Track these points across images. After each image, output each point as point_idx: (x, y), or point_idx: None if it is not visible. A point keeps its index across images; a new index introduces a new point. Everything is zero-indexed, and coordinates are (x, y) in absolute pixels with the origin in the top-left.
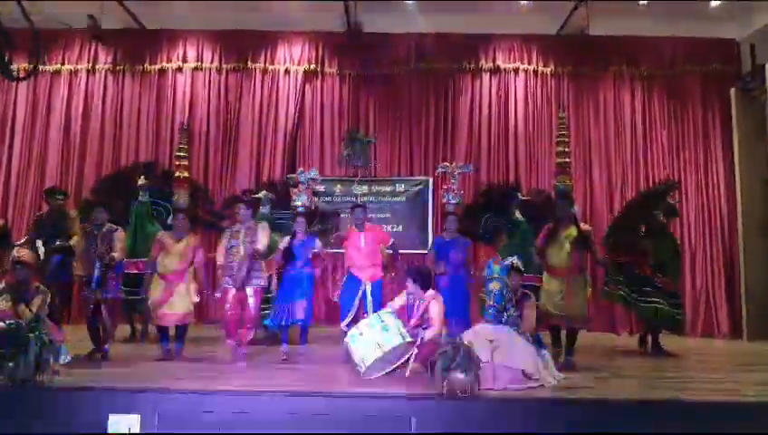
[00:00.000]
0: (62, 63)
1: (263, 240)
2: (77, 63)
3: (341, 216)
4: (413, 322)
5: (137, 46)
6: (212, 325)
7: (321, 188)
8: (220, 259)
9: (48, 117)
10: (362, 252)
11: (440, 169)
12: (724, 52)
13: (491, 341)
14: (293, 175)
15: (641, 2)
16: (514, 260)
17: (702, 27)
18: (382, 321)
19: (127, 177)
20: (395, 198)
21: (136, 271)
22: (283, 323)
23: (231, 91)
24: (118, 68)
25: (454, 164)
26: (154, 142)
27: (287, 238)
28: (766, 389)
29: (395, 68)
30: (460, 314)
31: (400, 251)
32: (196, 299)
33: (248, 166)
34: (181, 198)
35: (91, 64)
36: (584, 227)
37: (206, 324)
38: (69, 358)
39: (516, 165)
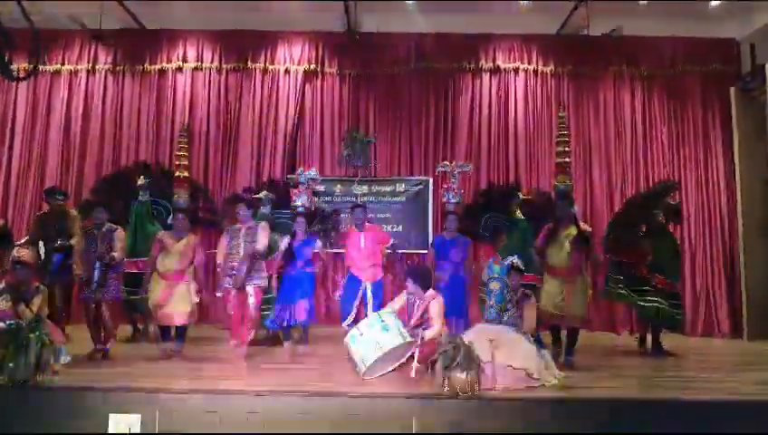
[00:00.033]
0: (62, 64)
1: (263, 240)
2: (77, 64)
3: (342, 215)
4: (413, 322)
5: (137, 46)
6: (212, 325)
7: (320, 188)
8: (220, 259)
9: (48, 117)
10: (362, 252)
11: (440, 169)
12: (723, 51)
13: (491, 340)
14: (293, 175)
15: (641, 2)
16: (515, 260)
17: (702, 27)
18: (382, 321)
19: (126, 177)
20: (395, 198)
21: (136, 270)
22: (285, 324)
23: (231, 91)
24: (118, 68)
25: (453, 163)
26: (154, 142)
27: (287, 239)
28: (766, 388)
29: (395, 68)
30: (460, 313)
31: (401, 251)
32: (196, 300)
33: (248, 166)
34: (181, 197)
35: (90, 64)
36: (584, 227)
37: (205, 324)
38: (69, 358)
39: (516, 164)
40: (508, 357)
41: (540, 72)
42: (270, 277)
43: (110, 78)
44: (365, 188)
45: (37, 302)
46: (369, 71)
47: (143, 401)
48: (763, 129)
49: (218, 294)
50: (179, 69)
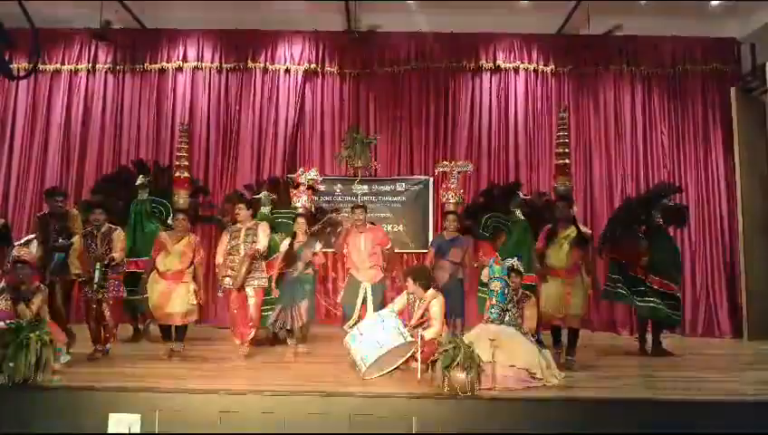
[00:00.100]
0: (62, 63)
1: (263, 240)
2: (77, 63)
3: (342, 215)
4: (414, 321)
5: (137, 46)
6: (212, 325)
7: (321, 187)
8: (220, 259)
9: (48, 116)
10: (362, 253)
11: (440, 169)
12: (724, 51)
13: (492, 340)
14: (294, 175)
15: (641, 1)
16: (514, 262)
17: (702, 26)
18: (383, 320)
19: (126, 176)
20: (395, 198)
21: (135, 269)
22: (288, 327)
23: (231, 90)
24: (118, 68)
25: (453, 163)
26: (154, 142)
27: (287, 241)
28: (767, 388)
29: (395, 67)
30: (458, 313)
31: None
32: (195, 301)
33: (248, 165)
34: (181, 198)
35: (91, 64)
36: (584, 229)
37: (205, 324)
38: (69, 357)
39: (517, 164)
40: (509, 357)
41: (540, 71)
42: (270, 278)
43: (110, 77)
44: (365, 188)
45: (37, 301)
46: (370, 70)
47: (143, 400)
48: (763, 128)
49: (219, 294)
50: (179, 68)
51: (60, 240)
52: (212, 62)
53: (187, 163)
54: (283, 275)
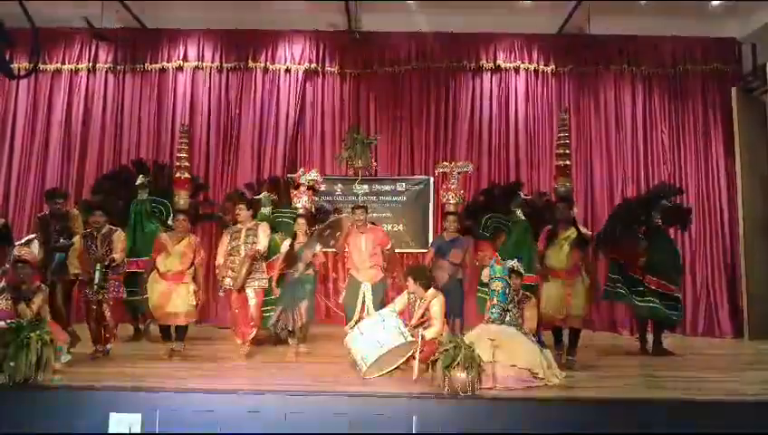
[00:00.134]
0: (63, 63)
1: (263, 241)
2: (77, 63)
3: (342, 215)
4: (414, 321)
5: (137, 45)
6: (212, 325)
7: (322, 187)
8: (220, 260)
9: (49, 116)
10: (363, 253)
11: (440, 170)
12: (725, 51)
13: (492, 340)
14: (294, 175)
15: (642, 1)
16: (515, 263)
17: (703, 26)
18: (383, 320)
19: (126, 176)
20: (396, 198)
21: (136, 269)
22: (290, 328)
23: (232, 90)
24: (118, 67)
25: (453, 164)
26: (155, 142)
27: (288, 242)
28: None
29: (395, 67)
30: (457, 314)
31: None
32: (194, 303)
33: (249, 165)
34: (182, 198)
35: (91, 64)
36: (584, 230)
37: (206, 324)
38: (69, 357)
39: (517, 163)
40: (510, 357)
41: (541, 71)
42: (271, 278)
43: (110, 77)
44: (366, 188)
45: (38, 301)
46: (370, 70)
47: (144, 400)
48: (764, 128)
49: (220, 294)
50: (180, 68)
51: (61, 240)
52: (212, 62)
53: (187, 164)
54: (284, 275)
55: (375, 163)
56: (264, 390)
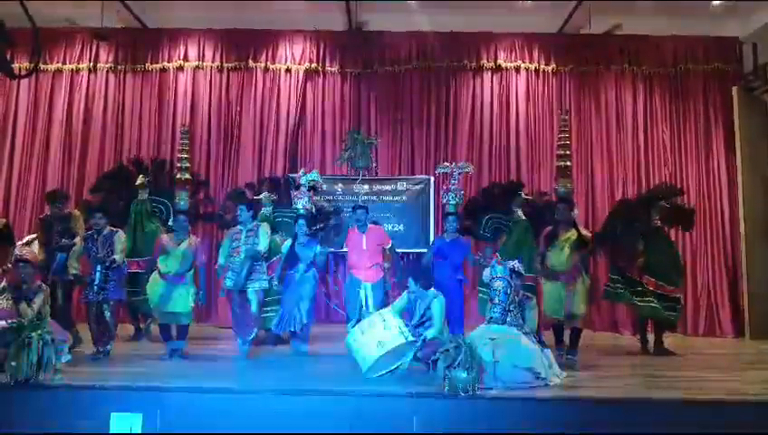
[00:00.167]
0: (64, 63)
1: (263, 242)
2: (78, 63)
3: (343, 215)
4: (415, 321)
5: (138, 45)
6: (213, 325)
7: (323, 187)
8: (221, 260)
9: (50, 116)
10: (364, 253)
11: (440, 170)
12: (726, 50)
13: (493, 339)
14: (295, 175)
15: (643, 0)
16: (515, 264)
17: (704, 26)
18: (384, 320)
19: (126, 176)
20: (396, 197)
21: (137, 269)
22: (292, 329)
23: (232, 90)
24: (119, 67)
25: (454, 164)
26: (155, 141)
27: (289, 242)
28: None
29: (396, 66)
30: (457, 315)
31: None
32: (193, 304)
33: (250, 165)
34: (182, 199)
35: (92, 63)
36: (584, 232)
37: (206, 324)
38: (70, 357)
39: (518, 163)
40: (512, 356)
41: (541, 70)
42: (271, 279)
43: (111, 77)
44: (366, 188)
45: (39, 300)
46: (371, 69)
47: (145, 399)
48: (765, 128)
49: (221, 295)
50: (180, 68)
51: (62, 241)
52: (213, 62)
53: (188, 165)
54: (285, 276)
55: (375, 165)
56: (265, 389)
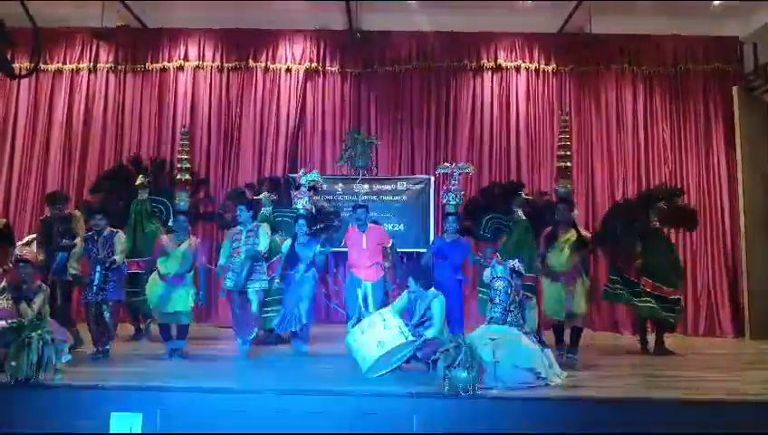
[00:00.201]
0: (64, 63)
1: (263, 242)
2: (78, 63)
3: (343, 214)
4: (415, 321)
5: (138, 45)
6: (213, 325)
7: (323, 187)
8: (222, 261)
9: (50, 116)
10: (365, 252)
11: (440, 171)
12: (726, 50)
13: (493, 339)
14: (295, 175)
15: (643, 0)
16: (515, 263)
17: (704, 25)
18: (384, 320)
19: (126, 176)
20: (396, 197)
21: (137, 269)
22: (293, 329)
23: (232, 89)
24: (119, 67)
25: (454, 165)
26: (155, 141)
27: (288, 242)
28: None
29: (396, 66)
30: (457, 315)
31: (401, 250)
32: (192, 304)
33: (250, 164)
34: (182, 200)
35: (92, 63)
36: (583, 232)
37: (207, 324)
38: (70, 357)
39: (518, 163)
40: (513, 357)
41: (542, 70)
42: (272, 279)
43: (111, 77)
44: (366, 187)
45: (39, 300)
46: (371, 69)
47: (145, 399)
48: (765, 127)
49: (222, 295)
50: (181, 68)
51: (63, 241)
52: (213, 62)
53: (188, 166)
54: (286, 276)
55: (373, 165)
56: (265, 389)
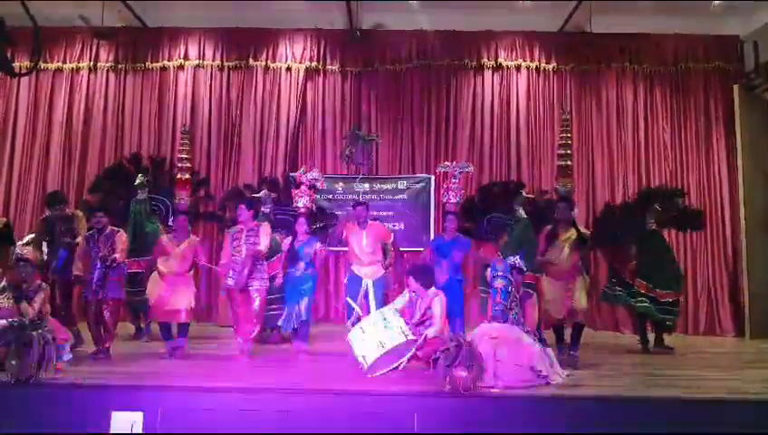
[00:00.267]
0: (64, 62)
1: (264, 241)
2: (79, 62)
3: (342, 213)
4: (415, 319)
5: (138, 44)
6: (214, 324)
7: (323, 186)
8: (223, 260)
9: (50, 115)
10: (365, 250)
11: (441, 169)
12: (727, 49)
13: (494, 338)
14: (295, 174)
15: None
16: (516, 260)
17: (705, 24)
18: (384, 318)
19: (125, 175)
20: (397, 196)
21: (137, 269)
22: (295, 326)
23: (233, 88)
24: (119, 66)
25: (454, 164)
26: (156, 140)
27: (288, 240)
28: None
29: (397, 65)
30: (458, 314)
31: (402, 249)
32: (193, 304)
33: (250, 164)
34: (182, 199)
35: (92, 62)
36: (583, 231)
37: (207, 323)
38: (71, 356)
39: (518, 162)
40: (513, 355)
41: (542, 69)
42: (273, 277)
43: (111, 76)
44: (366, 186)
45: (39, 299)
46: (371, 68)
47: (146, 398)
48: (766, 126)
49: (222, 294)
50: (181, 67)
51: (64, 240)
52: (213, 61)
53: (188, 165)
54: (286, 274)
55: (370, 162)
56: (266, 388)
